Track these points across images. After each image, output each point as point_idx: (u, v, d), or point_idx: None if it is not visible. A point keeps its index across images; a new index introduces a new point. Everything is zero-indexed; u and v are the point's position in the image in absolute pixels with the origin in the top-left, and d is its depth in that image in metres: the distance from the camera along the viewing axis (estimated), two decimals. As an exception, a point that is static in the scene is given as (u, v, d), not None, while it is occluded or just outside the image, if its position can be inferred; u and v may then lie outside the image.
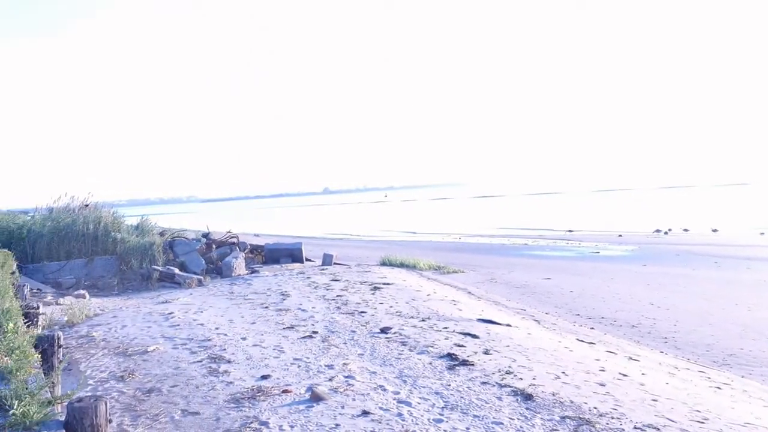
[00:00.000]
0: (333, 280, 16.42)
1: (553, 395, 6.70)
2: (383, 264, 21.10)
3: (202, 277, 16.87)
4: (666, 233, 37.32)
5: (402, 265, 20.62)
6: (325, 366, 7.74)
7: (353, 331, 9.89)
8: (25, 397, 3.71)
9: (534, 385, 7.07)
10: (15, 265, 12.35)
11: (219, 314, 11.56)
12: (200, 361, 7.97)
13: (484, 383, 7.11)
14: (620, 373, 7.88)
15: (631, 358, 8.97)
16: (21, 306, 7.19)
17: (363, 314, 11.45)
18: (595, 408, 6.33)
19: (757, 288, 15.47)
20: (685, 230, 39.07)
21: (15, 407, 3.52)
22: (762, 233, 34.19)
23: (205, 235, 20.68)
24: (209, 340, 9.23)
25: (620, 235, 35.46)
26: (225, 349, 8.59)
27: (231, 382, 6.99)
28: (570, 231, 40.75)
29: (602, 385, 7.25)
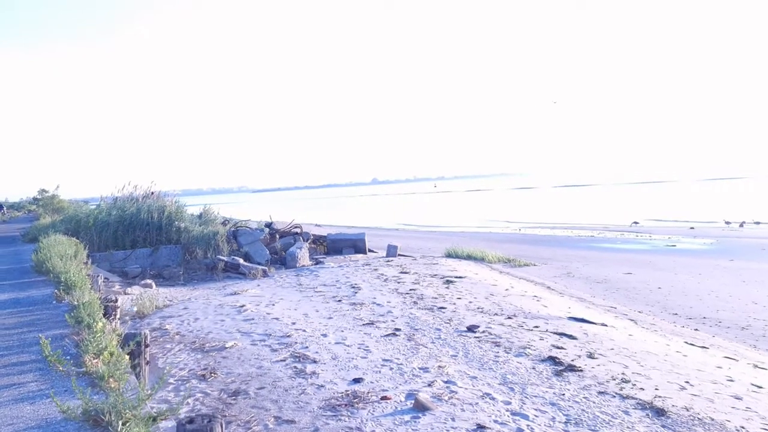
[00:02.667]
0: (402, 272, 15.78)
1: (687, 410, 5.87)
2: (449, 256, 20.36)
3: (266, 268, 16.47)
4: (741, 226, 35.34)
5: (469, 258, 19.83)
6: (419, 369, 7.08)
7: (438, 329, 9.21)
8: (126, 412, 3.14)
9: (660, 397, 6.25)
10: (86, 254, 12.13)
11: (292, 307, 11.05)
12: (283, 360, 7.42)
13: (601, 393, 6.33)
14: (753, 384, 6.98)
15: (756, 366, 8.02)
16: (99, 298, 6.77)
17: (443, 310, 10.76)
18: (743, 428, 5.49)
19: None
20: (757, 223, 36.96)
21: (117, 428, 2.95)
22: None
23: (268, 225, 20.34)
24: (288, 336, 8.68)
25: (692, 228, 33.73)
26: (307, 347, 8.02)
27: (322, 386, 6.40)
28: (636, 223, 39.08)
29: (738, 398, 6.37)
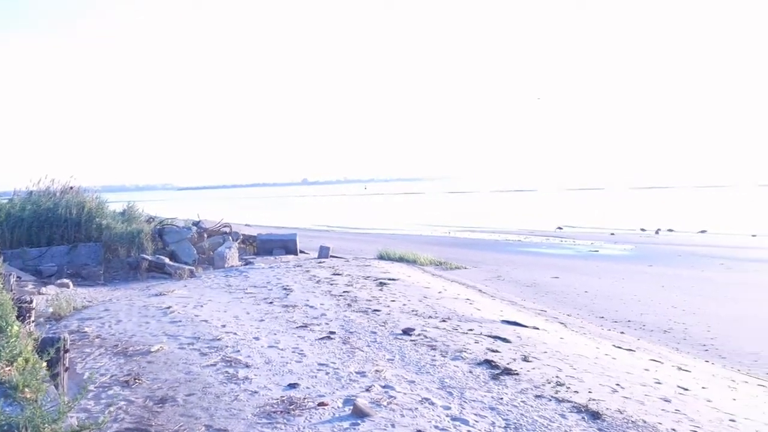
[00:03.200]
0: (334, 274, 15.57)
1: (621, 413, 5.96)
2: (381, 258, 20.30)
3: (193, 268, 15.91)
4: (657, 233, 36.99)
5: (401, 260, 19.83)
6: (356, 373, 6.91)
7: (373, 332, 9.07)
8: (44, 427, 2.83)
9: (594, 400, 6.32)
10: (-3, 252, 11.33)
11: (221, 309, 10.66)
12: (214, 365, 7.09)
13: (538, 397, 6.34)
14: (679, 387, 7.18)
15: (680, 369, 8.28)
16: (12, 299, 6.25)
17: (377, 313, 10.64)
18: (674, 430, 5.60)
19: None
20: (670, 230, 38.80)
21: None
22: (754, 235, 33.96)
23: (196, 224, 19.68)
24: (218, 339, 8.33)
25: (612, 234, 35.02)
26: (239, 351, 7.71)
27: (255, 392, 6.13)
28: (560, 228, 40.25)
29: (667, 401, 6.52)
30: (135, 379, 6.54)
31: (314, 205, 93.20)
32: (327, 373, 6.85)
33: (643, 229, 38.91)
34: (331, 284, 13.85)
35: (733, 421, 6.01)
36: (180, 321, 9.55)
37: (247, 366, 7.06)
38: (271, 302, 11.43)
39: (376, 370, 7.05)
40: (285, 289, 13.05)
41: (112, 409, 5.48)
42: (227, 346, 7.95)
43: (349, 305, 11.30)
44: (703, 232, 37.88)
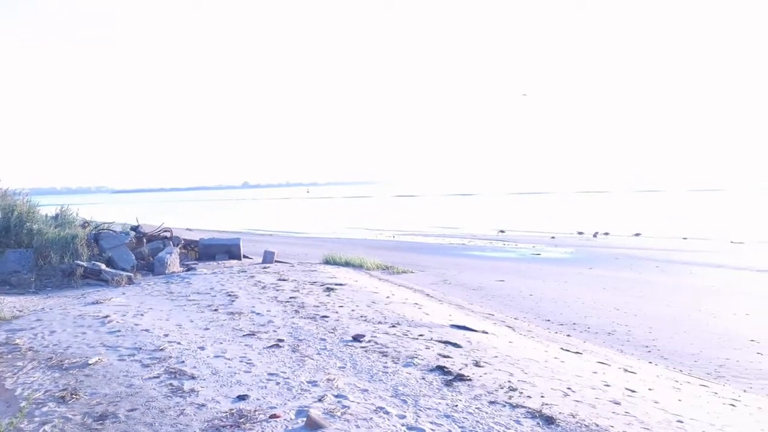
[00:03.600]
0: (280, 279, 15.27)
1: (573, 417, 5.97)
2: (327, 262, 20.07)
3: (132, 275, 15.31)
4: (594, 236, 38.07)
5: (347, 264, 19.66)
6: (308, 382, 6.72)
7: (323, 339, 8.89)
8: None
9: (547, 404, 6.33)
10: None
11: (163, 318, 10.25)
12: (157, 377, 6.76)
13: (492, 403, 6.30)
14: (627, 389, 7.28)
15: (626, 371, 8.42)
16: (-66, 311, 5.79)
17: (326, 319, 10.45)
18: (626, 432, 5.65)
19: (710, 294, 15.54)
20: (606, 234, 40.01)
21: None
22: (685, 238, 35.35)
23: (135, 228, 18.97)
24: (161, 349, 7.98)
25: (553, 237, 35.84)
26: (184, 362, 7.39)
27: (203, 405, 5.86)
28: (502, 232, 40.93)
29: (617, 403, 6.60)
30: (72, 394, 6.16)
31: (256, 209, 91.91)
32: (278, 383, 6.63)
33: (580, 233, 40.01)
34: (277, 290, 13.57)
35: (680, 422, 6.12)
36: (119, 331, 9.12)
37: (193, 377, 6.77)
38: (215, 309, 11.08)
39: (328, 379, 6.88)
40: (230, 295, 12.69)
41: (47, 428, 5.13)
42: (171, 357, 7.61)
43: (296, 311, 11.07)
44: (637, 235, 39.22)
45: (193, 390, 6.31)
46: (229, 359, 7.59)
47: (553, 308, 13.35)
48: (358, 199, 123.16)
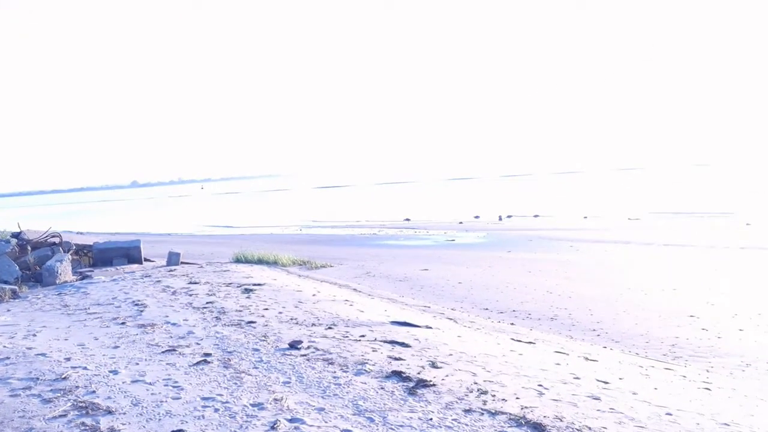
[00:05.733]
0: (191, 283, 13.92)
1: (561, 420, 5.36)
2: (238, 261, 18.77)
3: (16, 288, 13.44)
4: (500, 219, 38.64)
5: (261, 262, 18.46)
6: (252, 405, 5.70)
7: (256, 350, 7.85)
8: None
9: (527, 408, 5.68)
10: None
11: (61, 337, 8.80)
12: (64, 416, 5.50)
13: (467, 411, 5.57)
14: (598, 380, 6.80)
15: (587, 359, 7.98)
16: None
17: (253, 325, 9.39)
18: (623, 434, 5.09)
19: (631, 270, 15.74)
20: (509, 216, 40.80)
21: None
22: (585, 217, 36.56)
23: (16, 235, 16.81)
24: (64, 378, 6.65)
25: (461, 223, 36.00)
26: (95, 392, 6.14)
27: (128, 449, 4.74)
28: (407, 220, 40.74)
29: (596, 398, 6.06)
30: (-49, 449, 4.84)
31: (150, 209, 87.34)
32: (216, 410, 5.57)
33: (476, 216, 40.47)
34: (190, 295, 12.28)
35: (669, 414, 5.65)
36: (8, 358, 7.64)
37: (110, 412, 5.57)
38: (123, 323, 9.71)
39: (275, 399, 5.89)
40: (137, 304, 11.29)
41: None
42: (78, 387, 6.32)
43: (217, 318, 9.91)
44: (536, 216, 40.23)
45: (112, 429, 5.14)
46: (150, 384, 6.41)
47: (487, 295, 12.90)
48: (252, 194, 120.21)
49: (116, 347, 8.13)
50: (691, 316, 10.54)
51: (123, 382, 6.46)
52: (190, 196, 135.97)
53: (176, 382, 6.47)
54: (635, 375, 7.22)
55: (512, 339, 9.02)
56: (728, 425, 5.42)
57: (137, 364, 7.23)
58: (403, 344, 8.19)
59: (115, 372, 6.87)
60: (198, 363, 7.23)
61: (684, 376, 7.38)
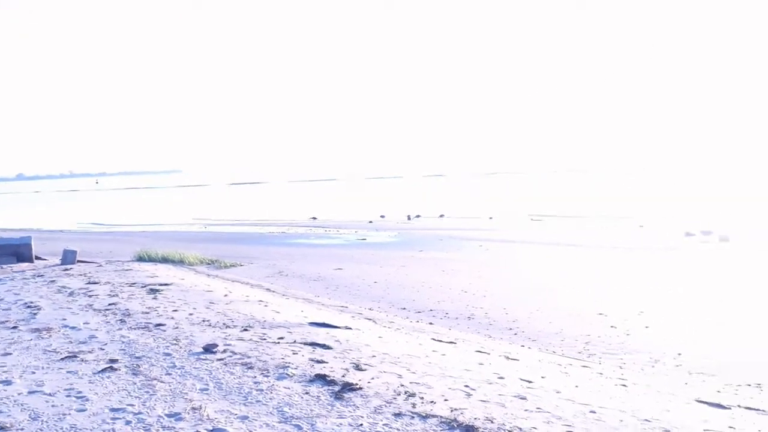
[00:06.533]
0: (90, 283, 13.03)
1: (492, 422, 5.30)
2: (141, 259, 17.83)
3: None
4: (409, 219, 38.96)
5: (166, 260, 17.61)
6: (168, 416, 5.28)
7: (168, 354, 7.36)
8: None
9: (456, 409, 5.59)
10: None
11: (-59, 344, 7.90)
12: (-51, 435, 4.88)
13: (398, 415, 5.41)
14: (522, 379, 6.83)
15: (508, 358, 8.04)
16: None
17: (162, 328, 8.83)
18: (553, 434, 5.09)
19: (540, 269, 16.20)
20: (418, 216, 41.29)
21: None
22: (491, 217, 37.55)
23: None
24: (-53, 391, 5.93)
25: (371, 221, 36.00)
26: (-15, 406, 5.50)
27: (28, 471, 4.23)
28: (314, 218, 40.31)
29: (523, 398, 6.06)
30: None
31: (39, 203, 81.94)
32: (128, 423, 5.11)
33: (382, 216, 40.64)
34: (90, 296, 11.47)
35: (593, 412, 5.72)
36: None
37: (4, 428, 4.99)
38: (14, 327, 8.88)
39: (193, 408, 5.49)
40: (29, 307, 10.39)
41: None
42: (-36, 401, 5.65)
43: (122, 321, 9.27)
44: (442, 216, 40.93)
45: (8, 448, 4.60)
46: (50, 395, 5.82)
47: (404, 295, 12.85)
48: (151, 190, 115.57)
49: (7, 354, 7.39)
50: (601, 314, 10.94)
51: (18, 394, 5.83)
52: (83, 190, 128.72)
53: (80, 392, 5.91)
54: (556, 373, 7.34)
55: (433, 339, 8.98)
56: (649, 421, 5.56)
57: (33, 372, 6.58)
58: (324, 346, 7.94)
59: (8, 382, 6.21)
60: (103, 370, 6.66)
61: (601, 373, 7.58)
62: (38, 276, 14.08)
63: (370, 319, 10.42)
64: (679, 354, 8.63)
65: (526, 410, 5.72)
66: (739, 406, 6.59)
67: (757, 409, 6.49)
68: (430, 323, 10.53)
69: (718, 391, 7.20)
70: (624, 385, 7.03)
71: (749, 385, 7.49)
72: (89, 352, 7.47)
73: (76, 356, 7.27)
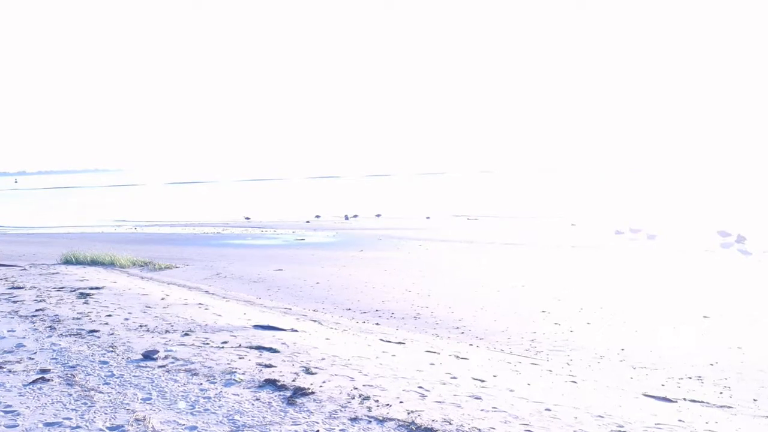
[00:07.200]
0: (14, 287, 12.27)
1: (450, 423, 5.23)
2: (68, 262, 16.95)
3: None
4: (347, 219, 38.74)
5: (95, 263, 16.80)
6: (111, 429, 4.94)
7: (104, 362, 6.94)
8: None
9: (413, 412, 5.49)
10: None
11: None
12: None
13: (354, 420, 5.27)
14: (474, 379, 6.79)
15: (458, 357, 8.00)
16: None
17: (96, 334, 8.36)
18: (511, 434, 5.06)
19: (478, 268, 16.34)
20: (355, 216, 41.15)
21: None
22: (428, 217, 37.79)
23: None
24: None
25: (308, 222, 35.61)
26: None
27: (-45, 496, 3.85)
28: (247, 218, 39.55)
29: (477, 398, 6.02)
30: None
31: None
32: (66, 438, 4.76)
33: (317, 216, 40.30)
34: (15, 301, 10.78)
35: (548, 410, 5.73)
36: None
37: (-76, 449, 4.55)
38: (-71, 336, 8.20)
39: (137, 419, 5.17)
40: (-54, 314, 9.64)
41: None
42: None
43: (51, 328, 8.71)
44: (378, 216, 40.93)
45: (-70, 471, 4.18)
46: (-25, 411, 5.36)
47: (348, 295, 12.67)
48: (75, 190, 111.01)
49: (-77, 367, 6.79)
50: (544, 311, 11.08)
51: (-62, 410, 5.35)
52: (3, 189, 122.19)
53: (9, 405, 5.48)
54: (507, 372, 7.35)
55: (381, 340, 8.86)
56: (602, 417, 5.61)
57: (-46, 386, 6.06)
58: (271, 350, 7.70)
59: (-75, 398, 5.69)
60: (34, 381, 6.21)
61: (550, 371, 7.64)
62: (-46, 281, 13.13)
63: (315, 321, 10.20)
64: (623, 349, 8.82)
65: (482, 410, 5.67)
66: (684, 399, 6.77)
67: (702, 402, 6.69)
68: (377, 324, 10.41)
69: (663, 385, 7.38)
70: (574, 382, 7.11)
71: (690, 378, 7.72)
72: (17, 362, 6.96)
73: (2, 367, 6.75)
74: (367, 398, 5.89)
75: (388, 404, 5.72)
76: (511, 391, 6.39)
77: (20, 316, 9.54)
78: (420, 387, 6.34)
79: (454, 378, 6.79)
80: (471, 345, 9.11)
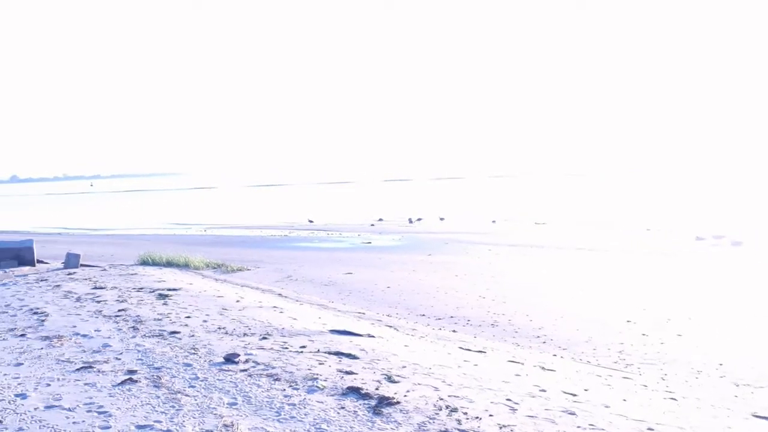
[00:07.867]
0: (96, 287, 12.64)
1: (549, 440, 4.96)
2: (145, 263, 17.43)
3: None
4: (411, 222, 38.58)
5: (170, 264, 17.21)
6: (201, 435, 4.92)
7: (188, 365, 6.98)
8: None
9: (504, 426, 5.25)
10: None
11: (-53, 353, 7.51)
12: (-36, 456, 4.50)
13: (444, 432, 5.06)
14: (565, 392, 6.48)
15: (544, 368, 7.69)
16: None
17: (177, 336, 8.46)
18: (615, 453, 4.74)
19: (555, 274, 15.87)
20: (419, 219, 40.88)
21: None
22: (494, 221, 37.19)
23: None
24: (-41, 406, 5.54)
25: (373, 225, 35.63)
26: (1, 422, 5.12)
27: (56, 499, 3.86)
28: (311, 221, 39.88)
29: (572, 414, 5.71)
30: None
31: (34, 205, 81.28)
32: (159, 443, 4.74)
33: (380, 219, 40.18)
34: (98, 301, 11.08)
35: (651, 429, 5.37)
36: None
37: (24, 449, 4.62)
38: (22, 335, 8.49)
39: (225, 425, 5.13)
40: (36, 313, 10.00)
41: None
42: (-22, 417, 5.27)
43: (134, 329, 8.88)
44: (442, 219, 40.53)
45: (30, 472, 4.22)
46: (69, 410, 5.44)
47: (420, 301, 12.50)
48: (148, 193, 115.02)
49: (19, 364, 7.00)
50: (629, 321, 10.59)
51: (35, 409, 5.45)
52: (78, 193, 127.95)
53: (101, 406, 5.54)
54: (598, 385, 6.99)
55: (461, 348, 8.62)
56: (713, 440, 5.23)
57: (49, 385, 6.20)
58: (350, 356, 7.58)
59: (23, 396, 5.83)
60: (123, 382, 6.28)
61: (645, 386, 7.23)
62: (42, 280, 13.66)
63: (390, 327, 10.06)
64: (721, 364, 8.29)
65: (579, 427, 5.36)
66: (798, 421, 6.27)
67: (818, 425, 6.17)
68: (454, 331, 10.17)
69: (770, 405, 6.88)
70: (674, 399, 6.69)
71: (799, 397, 7.16)
72: (105, 362, 7.09)
73: (91, 367, 6.89)
74: (455, 410, 5.68)
75: (477, 417, 5.49)
76: (606, 407, 6.04)
77: (105, 317, 9.78)
78: (508, 399, 6.08)
79: (543, 391, 6.49)
80: (555, 355, 8.76)
